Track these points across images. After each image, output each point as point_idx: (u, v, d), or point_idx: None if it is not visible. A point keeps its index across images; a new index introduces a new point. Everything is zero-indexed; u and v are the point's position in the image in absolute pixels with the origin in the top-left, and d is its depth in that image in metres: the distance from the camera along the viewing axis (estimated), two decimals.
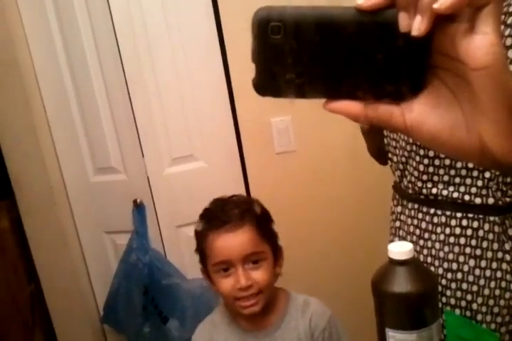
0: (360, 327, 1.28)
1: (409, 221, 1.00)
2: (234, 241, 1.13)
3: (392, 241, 1.07)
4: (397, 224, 1.06)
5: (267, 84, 0.43)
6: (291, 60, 0.42)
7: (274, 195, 1.91)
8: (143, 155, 1.87)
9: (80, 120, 1.92)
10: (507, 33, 0.78)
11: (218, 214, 1.17)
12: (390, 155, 1.06)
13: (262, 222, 1.19)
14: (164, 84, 1.84)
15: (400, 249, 0.73)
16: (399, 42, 0.40)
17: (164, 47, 1.82)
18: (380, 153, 1.13)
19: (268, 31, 0.42)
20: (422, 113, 0.42)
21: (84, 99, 1.89)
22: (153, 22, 1.79)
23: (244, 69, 1.71)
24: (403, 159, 0.98)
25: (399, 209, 1.04)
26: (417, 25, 0.38)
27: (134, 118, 1.84)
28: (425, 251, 0.97)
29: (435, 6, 0.36)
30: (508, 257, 0.91)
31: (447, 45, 0.39)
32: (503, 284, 0.91)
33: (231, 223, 1.14)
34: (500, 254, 0.91)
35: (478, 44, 0.37)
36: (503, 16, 0.78)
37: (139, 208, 1.87)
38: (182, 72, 1.84)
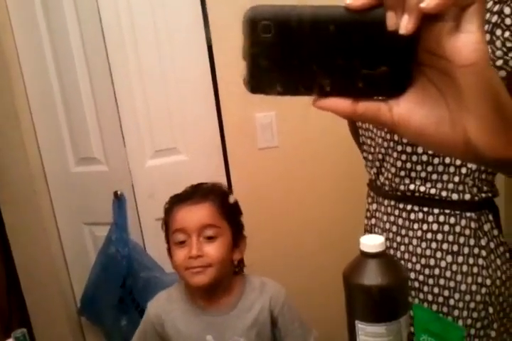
0: (332, 320, 1.29)
1: (385, 218, 1.00)
2: (193, 211, 1.20)
3: None
4: (373, 221, 1.06)
5: (257, 82, 0.44)
6: (281, 58, 0.43)
7: (255, 190, 1.92)
8: (125, 146, 1.86)
9: (63, 110, 1.91)
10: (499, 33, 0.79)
11: (186, 191, 1.26)
12: (364, 154, 1.06)
13: (226, 204, 1.24)
14: (149, 76, 1.83)
15: (372, 242, 0.74)
16: (386, 41, 0.41)
17: (150, 39, 1.81)
18: None
19: (258, 30, 0.42)
20: (409, 109, 0.43)
21: (68, 88, 1.88)
22: (140, 12, 1.78)
23: (230, 64, 1.72)
24: (380, 156, 0.99)
25: (374, 206, 1.05)
26: (404, 24, 0.39)
27: (118, 109, 1.83)
28: (402, 248, 0.97)
29: (422, 5, 0.37)
30: (484, 253, 0.92)
31: (433, 43, 0.40)
32: (480, 279, 0.92)
33: (194, 199, 1.21)
34: (476, 250, 0.92)
35: (464, 42, 0.38)
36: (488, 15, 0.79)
37: (119, 200, 1.86)
38: (167, 64, 1.83)
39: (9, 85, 1.84)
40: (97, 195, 1.94)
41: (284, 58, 0.43)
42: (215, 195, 1.24)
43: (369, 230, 1.07)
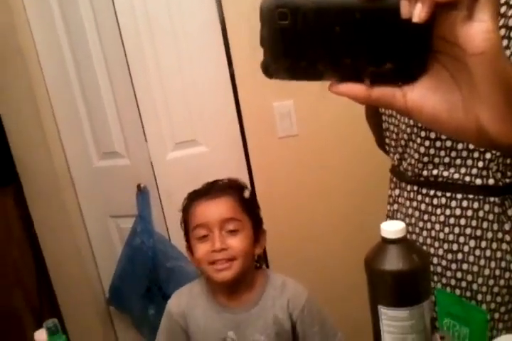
0: (355, 307, 1.30)
1: (407, 203, 1.00)
2: (213, 206, 1.20)
3: None
4: (395, 207, 1.06)
5: (275, 68, 0.45)
6: (298, 44, 0.44)
7: (275, 179, 1.93)
8: (146, 140, 1.89)
9: (84, 106, 1.94)
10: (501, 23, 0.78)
11: (204, 187, 1.26)
12: (387, 140, 1.06)
13: (244, 198, 1.25)
14: (166, 69, 1.85)
15: (393, 228, 0.74)
16: (401, 28, 0.42)
17: (166, 32, 1.82)
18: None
19: (276, 17, 0.43)
20: (423, 95, 0.44)
21: (87, 85, 1.91)
22: (155, 5, 1.79)
23: (246, 54, 1.73)
24: (402, 142, 0.98)
25: (397, 192, 1.05)
26: (417, 12, 0.39)
27: (137, 103, 1.85)
28: (425, 233, 0.97)
29: None
30: (507, 237, 0.92)
31: (447, 31, 0.41)
32: (503, 264, 0.92)
33: (213, 193, 1.21)
34: (500, 235, 0.92)
35: (476, 31, 0.39)
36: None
37: (142, 192, 1.89)
38: (184, 56, 1.84)
39: (30, 84, 1.87)
40: (120, 188, 1.97)
41: (300, 44, 0.44)
42: (233, 190, 1.24)
43: (391, 216, 1.08)
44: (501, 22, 0.79)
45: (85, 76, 1.90)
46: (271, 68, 0.46)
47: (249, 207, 1.24)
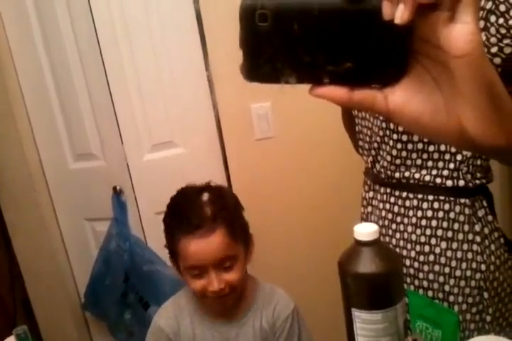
0: (328, 309, 1.30)
1: (381, 205, 1.01)
2: (206, 247, 1.11)
3: None
4: (369, 209, 1.07)
5: (254, 71, 0.44)
6: (278, 46, 0.43)
7: (253, 181, 1.92)
8: (122, 142, 1.86)
9: (59, 107, 1.92)
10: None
11: (190, 216, 1.13)
12: (360, 142, 1.06)
13: (234, 220, 1.17)
14: (143, 70, 1.83)
15: (366, 230, 0.74)
16: (382, 30, 0.41)
17: (143, 34, 1.80)
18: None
19: (255, 19, 0.42)
20: (404, 98, 0.43)
21: (62, 85, 1.88)
22: (132, 8, 1.77)
23: (223, 56, 1.72)
24: (375, 145, 0.99)
25: (370, 194, 1.05)
26: (399, 14, 0.39)
27: (113, 104, 1.83)
28: (398, 235, 0.98)
29: None
30: (478, 238, 0.93)
31: (429, 33, 0.40)
32: (474, 265, 0.92)
33: (203, 228, 1.11)
34: (470, 236, 0.93)
35: (459, 33, 0.39)
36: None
37: (118, 195, 1.86)
38: (161, 57, 1.83)
39: (4, 85, 1.84)
40: (96, 190, 1.95)
41: (280, 47, 0.43)
42: (223, 217, 1.14)
43: (365, 218, 1.08)
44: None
45: (61, 77, 1.87)
46: (250, 71, 0.45)
47: (239, 230, 1.19)
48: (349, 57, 0.43)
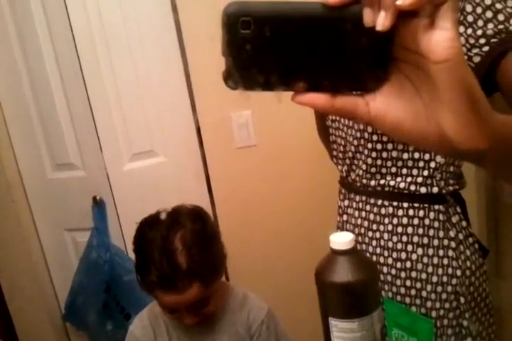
0: (307, 318, 1.30)
1: (356, 213, 1.02)
2: (181, 301, 1.07)
3: None
4: (344, 218, 1.07)
5: (236, 78, 0.44)
6: (260, 54, 0.43)
7: (234, 190, 1.93)
8: (101, 151, 1.85)
9: (37, 116, 1.90)
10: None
11: (162, 269, 1.05)
12: (335, 152, 1.07)
13: (211, 268, 1.11)
14: (122, 78, 1.82)
15: (341, 239, 0.75)
16: (363, 37, 0.42)
17: (122, 42, 1.80)
18: None
19: (238, 26, 0.42)
20: (385, 104, 0.44)
21: (41, 94, 1.87)
22: (110, 16, 1.77)
23: (203, 64, 1.73)
24: (350, 154, 1.00)
25: (346, 202, 1.06)
26: (381, 21, 0.39)
27: (92, 113, 1.82)
28: (374, 243, 0.99)
29: (398, 2, 0.38)
30: (453, 244, 0.94)
31: (409, 39, 0.41)
32: (450, 271, 0.94)
33: (178, 284, 1.04)
34: (446, 242, 0.94)
35: (439, 39, 0.39)
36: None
37: (98, 205, 1.85)
38: (140, 66, 1.83)
39: None
40: (76, 200, 1.93)
41: (262, 54, 0.43)
42: (199, 268, 1.07)
43: (341, 227, 1.09)
44: None
45: (39, 86, 1.86)
46: (232, 79, 0.44)
47: (218, 274, 1.15)
48: (330, 64, 0.43)
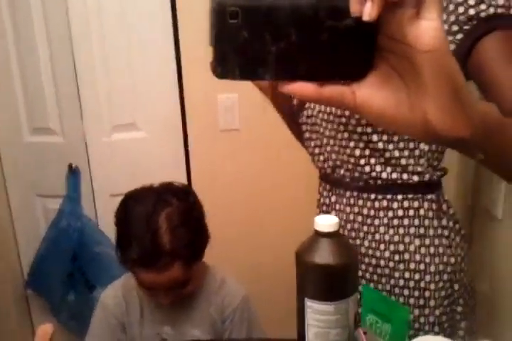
0: (282, 299, 1.31)
1: (348, 209, 1.00)
2: (160, 280, 1.05)
3: None
4: (333, 214, 1.05)
5: (224, 68, 0.45)
6: (248, 44, 0.44)
7: (213, 172, 1.92)
8: (82, 119, 1.82)
9: (19, 76, 1.84)
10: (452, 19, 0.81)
11: (144, 246, 1.03)
12: (311, 149, 1.05)
13: (194, 250, 1.10)
14: (112, 48, 1.78)
15: (326, 222, 0.75)
16: (349, 26, 0.43)
17: (115, 13, 1.76)
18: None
19: (226, 16, 0.43)
20: (370, 92, 0.45)
21: (26, 54, 1.81)
22: None
23: (195, 43, 1.70)
24: (335, 148, 0.99)
25: (333, 199, 1.04)
26: (367, 11, 0.40)
27: (77, 79, 1.78)
28: (369, 237, 0.98)
29: None
30: (446, 232, 0.96)
31: (395, 29, 0.42)
32: (445, 259, 0.96)
33: (159, 263, 1.02)
34: (439, 230, 0.96)
35: (424, 29, 0.40)
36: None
37: (73, 173, 1.82)
38: (132, 38, 1.79)
39: None
40: (51, 166, 1.89)
41: (250, 44, 0.44)
42: (182, 249, 1.05)
43: None
44: None
45: (24, 46, 1.80)
46: (220, 68, 0.45)
47: (200, 256, 1.13)
48: (317, 53, 0.44)
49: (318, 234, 0.75)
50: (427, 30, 0.40)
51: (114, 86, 1.82)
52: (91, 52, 1.77)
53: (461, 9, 0.79)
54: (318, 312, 0.75)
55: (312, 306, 0.75)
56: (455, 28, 0.79)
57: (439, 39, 0.40)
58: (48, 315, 1.98)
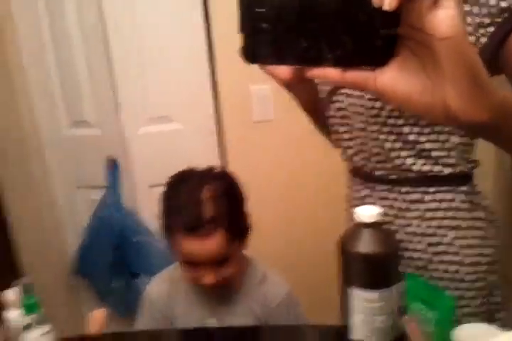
0: (324, 288, 1.32)
1: (380, 202, 1.01)
2: (202, 248, 1.09)
3: None
4: None
5: (253, 53, 0.48)
6: (275, 30, 0.47)
7: (247, 163, 1.93)
8: (119, 112, 1.86)
9: (57, 70, 1.89)
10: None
11: (188, 214, 1.09)
12: (346, 143, 1.05)
13: (235, 221, 1.14)
14: (146, 42, 1.81)
15: (368, 212, 0.77)
16: (372, 15, 0.45)
17: (148, 6, 1.78)
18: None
19: (253, 3, 0.46)
20: (393, 79, 0.48)
21: (62, 49, 1.86)
22: None
23: (228, 34, 1.70)
24: (366, 141, 0.98)
25: (365, 192, 1.04)
26: (387, 1, 0.42)
27: (112, 72, 1.81)
28: (402, 230, 0.99)
29: None
30: (478, 224, 0.96)
31: (415, 18, 0.44)
32: (481, 250, 0.96)
33: (201, 229, 1.07)
34: (471, 222, 0.96)
35: (442, 17, 0.42)
36: None
37: (112, 165, 1.87)
38: (165, 30, 1.82)
39: (3, 46, 1.82)
40: (90, 158, 1.94)
41: (277, 31, 0.47)
42: (224, 219, 1.10)
43: None
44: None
45: (61, 41, 1.85)
46: (249, 54, 0.48)
47: (241, 231, 1.16)
48: (342, 40, 0.47)
49: (361, 225, 0.77)
50: (444, 18, 0.42)
51: (149, 79, 1.85)
52: (126, 48, 1.80)
53: (492, 2, 0.79)
54: (363, 300, 0.77)
55: (357, 294, 0.77)
56: (487, 20, 0.79)
57: (456, 27, 0.43)
58: (95, 301, 2.03)
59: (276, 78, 0.53)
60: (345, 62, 0.48)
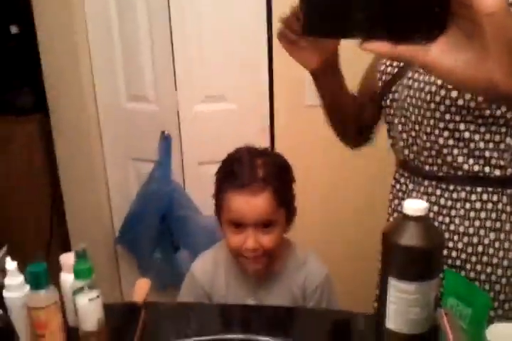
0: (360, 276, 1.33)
1: (424, 198, 1.00)
2: (251, 205, 1.14)
3: None
4: None
5: (312, 27, 0.52)
6: (333, 5, 0.51)
7: (296, 146, 1.93)
8: (176, 89, 1.90)
9: (120, 46, 1.95)
10: None
11: (242, 173, 1.16)
12: (399, 135, 1.04)
13: (283, 186, 1.20)
14: (205, 21, 1.85)
15: (416, 206, 0.78)
16: None
17: None
18: (344, 119, 1.17)
19: None
20: (441, 53, 0.51)
21: (127, 26, 1.92)
22: None
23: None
24: (420, 134, 0.98)
25: (411, 186, 1.04)
26: None
27: (172, 50, 1.86)
28: (444, 227, 0.98)
29: None
30: None
31: None
32: None
33: (253, 186, 1.14)
34: None
35: None
36: None
37: (165, 140, 1.91)
38: (225, 12, 1.85)
39: (70, 19, 1.88)
40: (145, 132, 2.00)
41: (335, 5, 0.50)
42: (274, 182, 1.16)
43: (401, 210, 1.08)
44: None
45: (127, 19, 1.90)
46: (309, 27, 0.52)
47: (286, 198, 1.21)
48: (397, 15, 0.50)
49: (407, 217, 0.78)
50: None
51: (206, 58, 1.89)
52: (187, 25, 1.84)
53: None
54: (399, 291, 0.79)
55: (394, 284, 0.79)
56: None
57: (499, 2, 0.46)
58: (135, 272, 2.11)
59: (305, 65, 0.57)
60: (397, 37, 0.51)
